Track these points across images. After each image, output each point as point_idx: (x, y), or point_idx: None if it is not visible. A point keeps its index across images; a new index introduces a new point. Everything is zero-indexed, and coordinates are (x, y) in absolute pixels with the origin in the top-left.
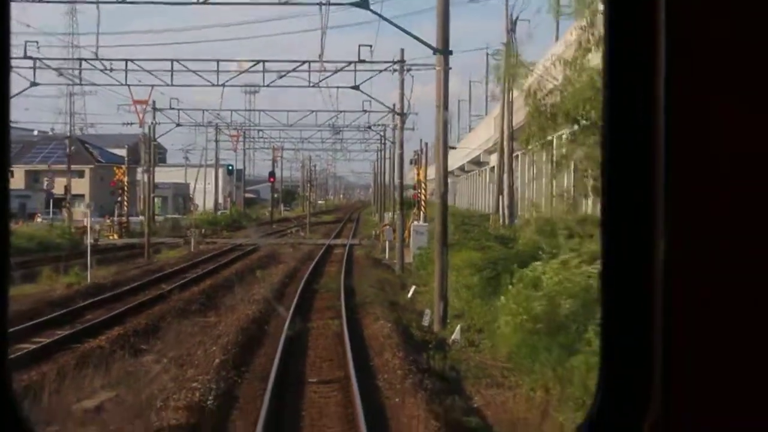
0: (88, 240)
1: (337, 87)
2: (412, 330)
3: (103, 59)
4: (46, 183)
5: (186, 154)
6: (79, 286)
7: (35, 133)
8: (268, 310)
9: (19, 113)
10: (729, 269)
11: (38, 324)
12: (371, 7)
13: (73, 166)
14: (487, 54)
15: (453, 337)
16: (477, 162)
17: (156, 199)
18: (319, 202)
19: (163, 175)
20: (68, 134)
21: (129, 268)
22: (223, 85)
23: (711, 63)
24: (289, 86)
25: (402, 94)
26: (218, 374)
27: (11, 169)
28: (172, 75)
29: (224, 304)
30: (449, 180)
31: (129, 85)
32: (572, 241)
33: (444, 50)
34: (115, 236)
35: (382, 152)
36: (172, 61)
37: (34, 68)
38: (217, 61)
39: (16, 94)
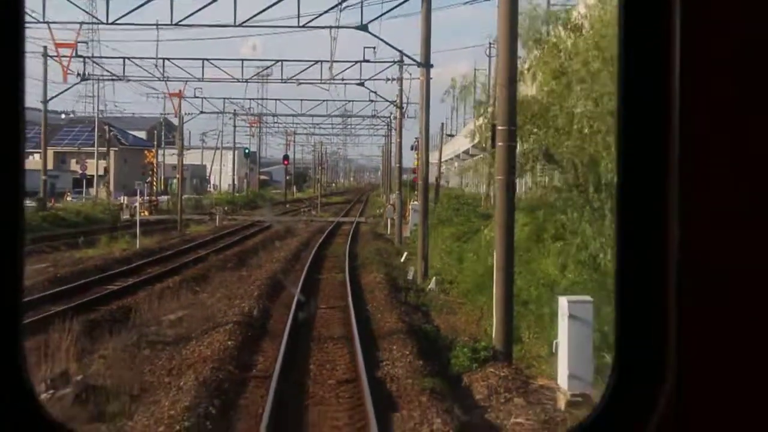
0: (138, 215)
1: (345, 83)
2: (399, 281)
3: (157, 57)
4: (79, 165)
5: (203, 137)
6: (132, 250)
7: (62, 117)
8: (287, 267)
9: (71, 105)
10: (742, 268)
11: (115, 273)
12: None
13: (100, 148)
14: (490, 44)
15: (429, 286)
16: (481, 147)
17: (175, 180)
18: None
19: None
20: (98, 118)
21: (167, 238)
22: (247, 81)
23: (724, 60)
24: (304, 82)
25: (401, 90)
26: (257, 302)
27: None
28: (203, 71)
29: (253, 263)
30: (456, 164)
31: (166, 80)
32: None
33: (425, 64)
34: (146, 213)
35: (389, 138)
36: (203, 60)
37: (84, 65)
38: (242, 60)
39: (71, 86)
